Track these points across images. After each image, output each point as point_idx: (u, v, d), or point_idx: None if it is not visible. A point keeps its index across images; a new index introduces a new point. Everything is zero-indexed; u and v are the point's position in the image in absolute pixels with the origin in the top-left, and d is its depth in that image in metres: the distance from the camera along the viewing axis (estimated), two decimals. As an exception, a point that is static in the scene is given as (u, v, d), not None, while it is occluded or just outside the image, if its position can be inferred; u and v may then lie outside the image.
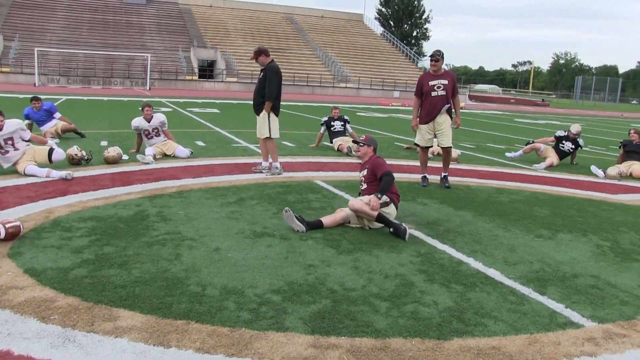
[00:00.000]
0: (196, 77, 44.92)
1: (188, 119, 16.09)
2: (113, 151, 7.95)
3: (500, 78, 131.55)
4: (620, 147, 10.17)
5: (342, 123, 11.02)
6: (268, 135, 7.54)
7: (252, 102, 7.77)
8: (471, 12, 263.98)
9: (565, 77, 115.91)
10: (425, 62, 64.77)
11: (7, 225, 4.23)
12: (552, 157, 10.11)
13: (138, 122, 8.80)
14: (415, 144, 7.82)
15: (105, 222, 4.94)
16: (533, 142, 10.64)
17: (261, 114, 7.55)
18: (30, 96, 11.16)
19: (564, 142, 10.38)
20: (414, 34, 74.75)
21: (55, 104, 12.41)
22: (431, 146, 7.78)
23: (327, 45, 56.16)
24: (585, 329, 3.30)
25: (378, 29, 68.94)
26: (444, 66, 7.52)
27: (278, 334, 2.97)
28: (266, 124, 7.51)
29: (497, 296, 3.72)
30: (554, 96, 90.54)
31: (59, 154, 7.20)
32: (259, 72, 7.78)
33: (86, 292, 3.37)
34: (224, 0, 60.17)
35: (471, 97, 54.72)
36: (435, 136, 7.52)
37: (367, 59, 55.74)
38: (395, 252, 4.54)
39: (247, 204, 5.90)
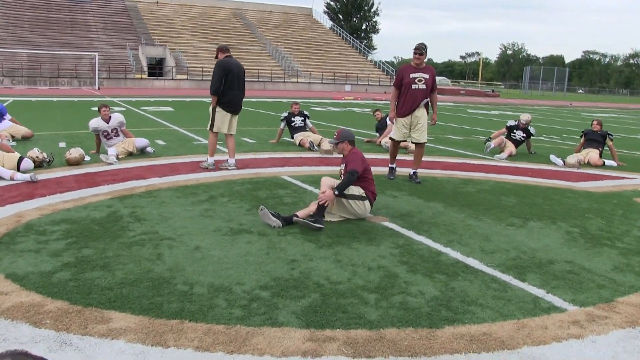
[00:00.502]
0: (145, 76, 43.93)
1: (144, 118, 15.75)
2: (75, 152, 7.72)
3: (449, 70, 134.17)
4: (581, 136, 10.63)
5: (302, 118, 11.03)
6: (208, 128, 7.79)
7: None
8: (419, 5, 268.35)
9: (513, 68, 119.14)
10: (375, 56, 65.61)
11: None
12: (510, 147, 10.44)
13: (96, 123, 8.55)
14: (390, 138, 7.73)
15: (79, 224, 4.81)
16: (490, 139, 10.93)
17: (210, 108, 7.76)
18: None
19: (515, 131, 10.74)
20: (363, 27, 75.36)
21: (4, 104, 11.94)
22: (405, 140, 7.77)
23: (277, 40, 55.95)
24: (569, 313, 3.44)
25: (327, 22, 69.24)
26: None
27: (273, 329, 2.98)
28: (210, 118, 7.74)
29: (480, 284, 3.83)
30: (503, 87, 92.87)
31: (28, 163, 6.98)
32: None
33: (73, 296, 3.30)
34: (172, -4, 59.08)
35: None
36: (409, 131, 7.42)
37: (318, 54, 55.89)
38: (374, 244, 4.61)
39: (218, 202, 5.85)
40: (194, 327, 2.95)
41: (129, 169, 7.55)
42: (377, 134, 11.74)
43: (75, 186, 6.37)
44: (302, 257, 4.17)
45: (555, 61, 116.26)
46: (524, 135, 10.73)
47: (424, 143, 7.48)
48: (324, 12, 73.70)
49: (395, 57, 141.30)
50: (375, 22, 76.27)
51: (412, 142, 7.64)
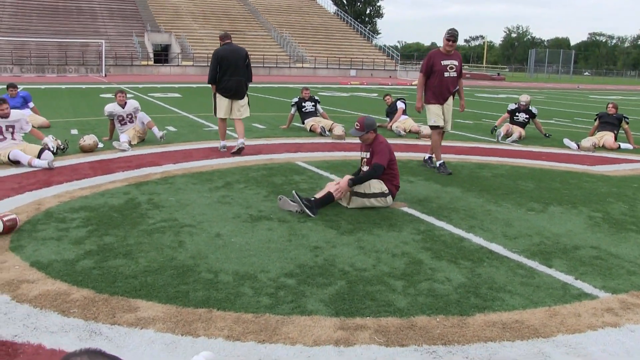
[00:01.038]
0: (152, 62, 43.73)
1: (153, 105, 15.68)
2: (89, 139, 7.71)
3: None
4: (595, 119, 10.49)
5: (313, 103, 10.95)
6: (213, 114, 8.12)
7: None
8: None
9: (517, 51, 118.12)
10: (380, 41, 65.06)
11: (5, 219, 4.07)
12: (518, 129, 10.31)
13: (112, 107, 8.60)
14: (432, 126, 7.17)
15: (98, 211, 4.78)
16: (496, 127, 10.80)
17: None
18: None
19: (517, 114, 10.66)
20: (367, 12, 74.71)
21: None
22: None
23: (282, 25, 55.51)
24: (601, 300, 3.34)
25: (331, 7, 68.61)
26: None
27: (303, 317, 2.93)
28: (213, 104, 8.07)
29: (506, 270, 3.77)
30: (508, 70, 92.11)
31: (48, 154, 6.92)
32: None
33: (99, 284, 3.27)
34: (176, -18, 58.60)
35: (428, 75, 55.05)
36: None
37: (323, 39, 55.46)
38: (395, 230, 4.55)
39: (235, 188, 5.80)
40: (223, 316, 2.91)
41: (142, 156, 7.51)
42: (388, 119, 11.63)
43: (90, 173, 6.35)
44: (325, 244, 4.12)
45: (560, 44, 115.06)
46: (527, 116, 10.63)
47: (447, 131, 7.25)
48: (328, -3, 73.09)
49: (399, 42, 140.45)
50: (379, 6, 75.62)
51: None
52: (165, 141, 8.66)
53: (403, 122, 10.86)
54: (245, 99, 8.04)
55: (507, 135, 10.19)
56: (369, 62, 52.11)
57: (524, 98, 10.76)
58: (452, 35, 6.85)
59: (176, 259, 3.71)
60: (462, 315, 3.07)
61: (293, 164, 7.23)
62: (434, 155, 7.32)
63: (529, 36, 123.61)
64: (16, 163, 6.59)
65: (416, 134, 10.43)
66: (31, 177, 6.12)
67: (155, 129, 8.51)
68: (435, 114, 7.03)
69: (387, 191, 5.17)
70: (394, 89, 28.62)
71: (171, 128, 10.33)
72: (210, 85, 7.95)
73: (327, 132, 10.02)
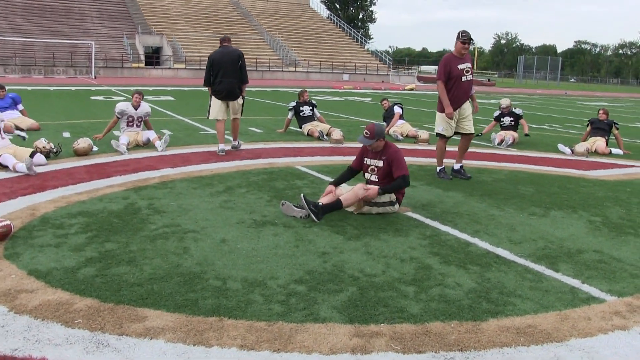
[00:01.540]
0: (143, 65, 43.53)
1: (145, 108, 15.53)
2: (83, 142, 7.58)
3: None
4: (587, 125, 10.65)
5: (311, 108, 10.92)
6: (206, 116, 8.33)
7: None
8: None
9: (507, 57, 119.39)
10: (372, 45, 65.17)
11: (-2, 225, 3.94)
12: (509, 133, 10.38)
13: (125, 106, 8.59)
14: (438, 134, 7.01)
15: (97, 217, 4.69)
16: (481, 133, 10.99)
17: None
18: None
19: (502, 119, 10.87)
20: (360, 16, 74.93)
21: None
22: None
23: (275, 29, 55.54)
24: (609, 303, 3.36)
25: (324, 12, 68.71)
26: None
27: (317, 325, 2.88)
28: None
29: (515, 275, 3.74)
30: (497, 76, 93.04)
31: (40, 158, 6.80)
32: None
33: (103, 293, 3.18)
34: (167, -16, 58.43)
35: (419, 79, 55.40)
36: (456, 123, 6.91)
37: (315, 43, 55.52)
38: (402, 235, 4.51)
39: (237, 193, 5.73)
40: (235, 325, 2.84)
41: (139, 159, 7.42)
42: (384, 123, 11.60)
43: (86, 177, 6.24)
44: (332, 250, 4.07)
45: (547, 50, 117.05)
46: (512, 119, 10.78)
47: (472, 134, 7.08)
48: (321, 1, 73.25)
49: (390, 47, 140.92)
50: (372, 11, 75.90)
51: (462, 133, 7.01)
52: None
53: (400, 127, 10.86)
54: (240, 100, 8.17)
55: (502, 141, 10.23)
56: (361, 66, 52.21)
57: (504, 102, 10.96)
58: (468, 37, 6.67)
59: (182, 266, 3.64)
60: (476, 320, 3.03)
61: (293, 169, 7.18)
62: (461, 165, 7.10)
63: (517, 43, 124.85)
64: (6, 167, 6.43)
65: (414, 139, 10.43)
66: (23, 181, 5.99)
67: (157, 143, 8.31)
68: (446, 122, 6.85)
69: (395, 200, 5.13)
70: (389, 94, 28.64)
71: (167, 131, 10.23)
72: (207, 88, 8.15)
73: (325, 137, 9.99)
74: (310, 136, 10.36)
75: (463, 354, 2.69)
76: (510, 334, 2.90)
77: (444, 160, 7.19)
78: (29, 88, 22.88)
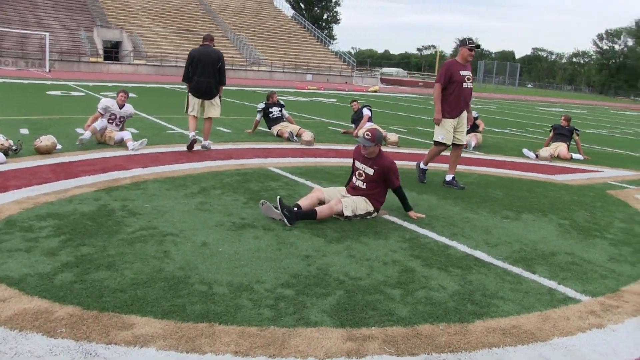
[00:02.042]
0: (101, 59, 42.40)
1: (108, 105, 15.14)
2: (47, 140, 7.28)
3: (405, 61, 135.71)
4: (550, 131, 11.00)
5: (279, 109, 10.88)
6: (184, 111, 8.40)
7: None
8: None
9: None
10: (335, 46, 65.41)
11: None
12: (473, 136, 10.51)
13: (110, 103, 8.42)
14: (437, 142, 6.85)
15: (69, 219, 4.53)
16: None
17: None
18: None
19: None
20: (325, 17, 75.11)
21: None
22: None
23: (238, 27, 55.06)
24: (584, 303, 3.52)
25: (289, 11, 68.63)
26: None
27: (309, 329, 2.87)
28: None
29: (495, 277, 3.83)
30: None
31: (0, 156, 6.50)
32: None
33: (84, 300, 3.06)
34: (127, -22, 57.14)
35: (382, 80, 55.92)
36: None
37: (279, 42, 55.32)
38: (382, 238, 4.54)
39: (212, 194, 5.65)
40: (226, 330, 2.80)
41: (106, 159, 7.23)
42: (353, 125, 11.67)
43: (52, 177, 6.02)
44: (315, 253, 4.06)
45: (506, 56, 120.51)
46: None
47: (464, 144, 7.03)
48: (286, 0, 73.03)
49: (352, 48, 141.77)
50: (337, 12, 76.19)
51: (454, 143, 6.87)
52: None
53: (369, 129, 10.91)
54: (216, 99, 8.25)
55: (466, 146, 10.41)
56: (325, 67, 52.30)
57: None
58: (475, 45, 6.62)
59: (164, 270, 3.56)
60: (463, 322, 3.09)
61: (266, 170, 7.13)
62: (453, 175, 6.97)
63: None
64: None
65: (383, 141, 10.50)
66: (-15, 181, 5.72)
67: (130, 143, 8.03)
68: (446, 130, 6.72)
69: (372, 209, 5.13)
70: (353, 95, 28.79)
71: (132, 130, 10.00)
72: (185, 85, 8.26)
73: (295, 138, 9.96)
74: (279, 137, 10.32)
75: (455, 355, 2.73)
76: (496, 335, 2.97)
77: (430, 164, 7.22)
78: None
